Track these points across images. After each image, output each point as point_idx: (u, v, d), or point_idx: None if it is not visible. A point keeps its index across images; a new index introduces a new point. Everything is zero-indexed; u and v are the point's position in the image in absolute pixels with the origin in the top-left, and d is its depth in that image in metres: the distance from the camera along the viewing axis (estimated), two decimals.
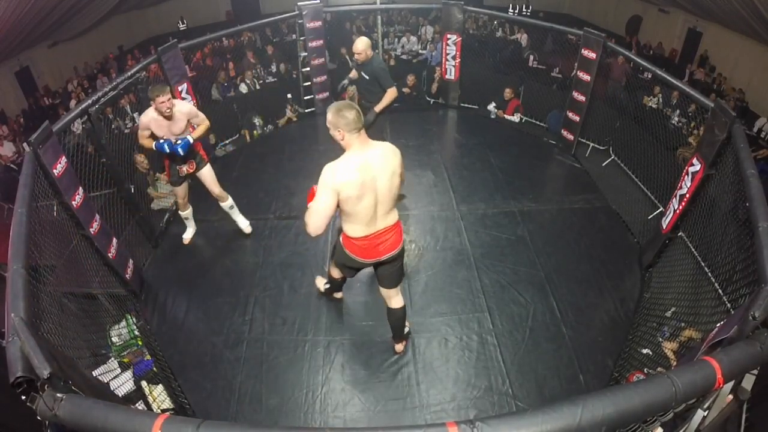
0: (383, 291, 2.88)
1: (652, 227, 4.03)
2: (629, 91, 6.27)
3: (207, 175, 3.89)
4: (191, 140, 3.56)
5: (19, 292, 1.92)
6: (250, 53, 8.17)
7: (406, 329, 3.20)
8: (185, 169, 3.76)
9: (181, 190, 3.93)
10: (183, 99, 4.79)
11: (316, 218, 2.29)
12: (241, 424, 1.42)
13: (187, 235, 4.31)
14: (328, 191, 2.26)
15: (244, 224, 4.30)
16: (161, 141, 3.47)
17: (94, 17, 10.24)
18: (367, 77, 4.02)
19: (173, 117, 3.45)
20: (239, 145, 5.93)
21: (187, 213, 4.18)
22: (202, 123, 3.67)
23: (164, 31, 12.24)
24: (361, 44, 3.89)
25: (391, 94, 3.97)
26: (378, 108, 3.99)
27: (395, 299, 2.90)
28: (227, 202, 4.12)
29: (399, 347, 3.21)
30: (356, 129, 2.25)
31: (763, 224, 2.14)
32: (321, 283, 3.61)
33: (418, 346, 3.26)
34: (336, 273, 3.14)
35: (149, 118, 3.45)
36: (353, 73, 4.25)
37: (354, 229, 2.49)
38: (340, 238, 2.66)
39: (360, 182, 2.27)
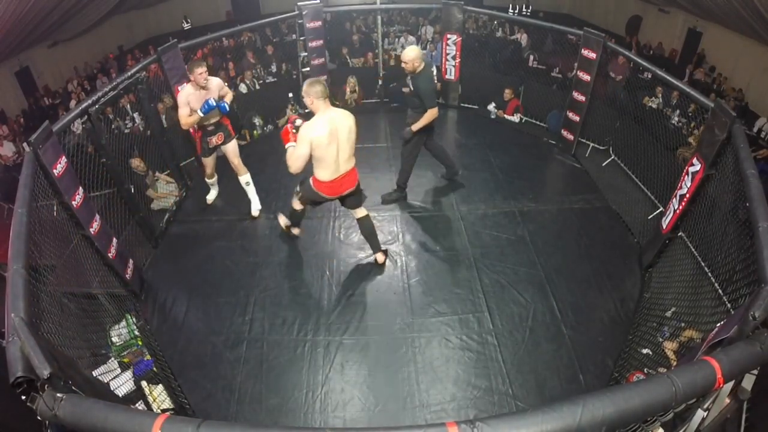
0: (350, 210, 3.72)
1: (652, 227, 4.03)
2: (629, 91, 6.27)
3: (231, 147, 4.33)
4: (227, 106, 4.03)
5: (19, 292, 1.92)
6: (250, 53, 8.17)
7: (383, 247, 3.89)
8: (214, 140, 4.20)
9: (210, 160, 4.37)
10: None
11: (298, 162, 3.12)
12: (241, 424, 1.42)
13: (211, 197, 4.71)
14: (305, 141, 3.06)
15: (255, 206, 4.51)
16: (207, 103, 3.83)
17: (94, 17, 10.23)
18: (411, 89, 4.00)
19: (208, 87, 3.89)
20: (239, 145, 5.91)
21: (213, 180, 4.64)
22: (228, 93, 4.17)
23: (164, 31, 12.24)
24: (410, 54, 3.85)
25: (429, 114, 3.96)
26: (414, 127, 4.06)
27: (359, 211, 3.67)
28: (244, 177, 4.43)
29: (380, 257, 3.83)
30: (322, 97, 3.07)
31: (763, 224, 2.14)
32: (283, 221, 4.01)
33: (418, 346, 3.26)
34: (299, 206, 3.76)
35: (187, 93, 3.87)
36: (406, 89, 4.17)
37: (324, 173, 3.27)
38: (311, 181, 3.39)
39: (328, 133, 3.07)
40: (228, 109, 4.02)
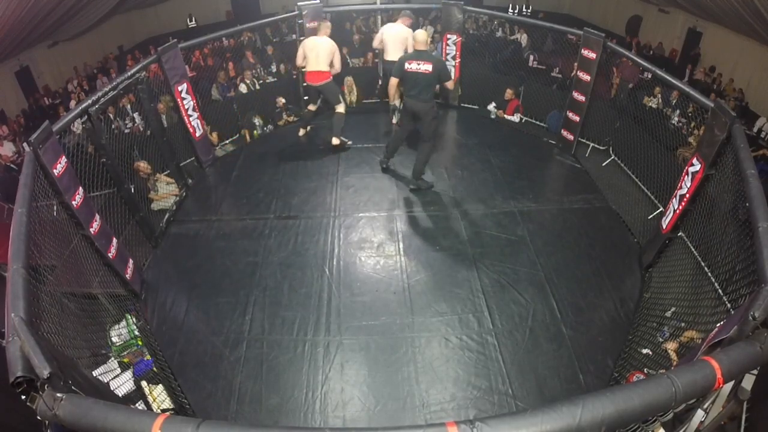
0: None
1: (652, 227, 4.03)
2: (631, 92, 6.27)
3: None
4: None
5: (19, 292, 1.92)
6: (249, 53, 8.16)
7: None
8: None
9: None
10: (183, 99, 4.81)
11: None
12: (241, 424, 1.42)
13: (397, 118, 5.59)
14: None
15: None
16: None
17: (94, 17, 10.23)
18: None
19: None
20: (239, 145, 5.93)
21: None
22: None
23: (164, 31, 12.24)
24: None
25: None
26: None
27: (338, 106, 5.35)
28: (394, 104, 5.47)
29: (335, 141, 5.31)
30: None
31: (763, 224, 2.15)
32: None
33: (418, 346, 3.26)
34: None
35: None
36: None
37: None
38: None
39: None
40: None
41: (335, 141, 5.32)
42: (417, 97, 4.33)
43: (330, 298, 3.63)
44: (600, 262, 3.94)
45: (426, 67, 4.19)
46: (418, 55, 4.24)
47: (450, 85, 4.52)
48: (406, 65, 4.24)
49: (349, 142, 5.52)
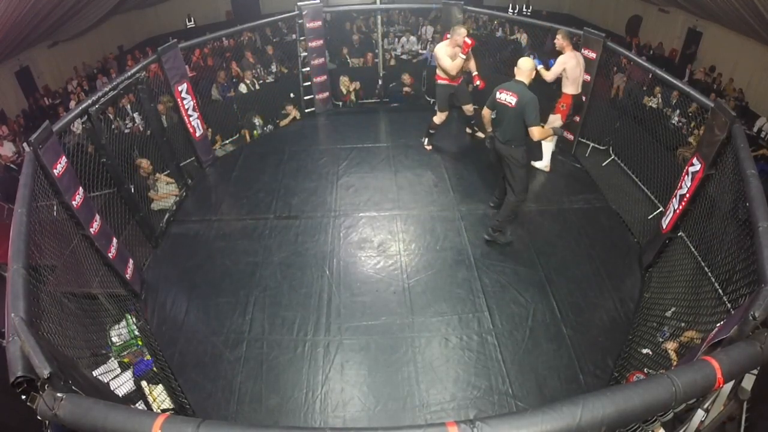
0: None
1: (652, 227, 4.03)
2: (641, 92, 6.27)
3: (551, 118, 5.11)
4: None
5: (19, 292, 1.92)
6: (249, 53, 8.16)
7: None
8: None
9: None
10: (183, 99, 4.81)
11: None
12: (241, 424, 1.42)
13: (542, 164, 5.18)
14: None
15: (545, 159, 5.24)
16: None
17: (94, 17, 10.23)
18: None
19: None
20: (239, 145, 5.93)
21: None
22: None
23: (164, 31, 12.24)
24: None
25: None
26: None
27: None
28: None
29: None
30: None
31: (763, 224, 2.14)
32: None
33: (418, 346, 3.26)
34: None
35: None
36: None
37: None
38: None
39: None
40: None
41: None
42: (498, 134, 3.75)
43: (330, 298, 3.63)
44: (600, 262, 3.93)
45: (510, 99, 3.55)
46: (509, 85, 3.64)
47: (536, 133, 3.53)
48: (497, 94, 3.67)
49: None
